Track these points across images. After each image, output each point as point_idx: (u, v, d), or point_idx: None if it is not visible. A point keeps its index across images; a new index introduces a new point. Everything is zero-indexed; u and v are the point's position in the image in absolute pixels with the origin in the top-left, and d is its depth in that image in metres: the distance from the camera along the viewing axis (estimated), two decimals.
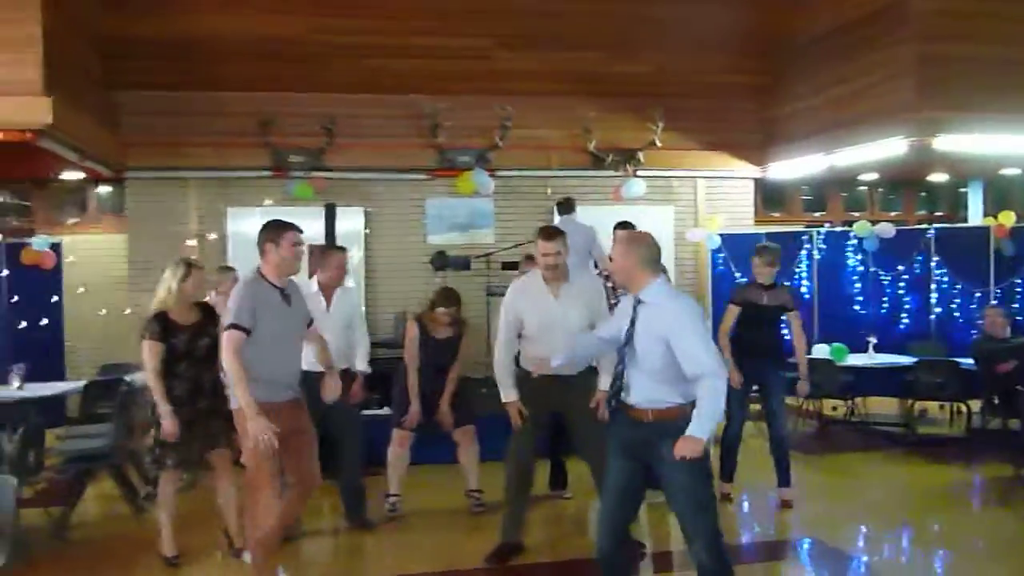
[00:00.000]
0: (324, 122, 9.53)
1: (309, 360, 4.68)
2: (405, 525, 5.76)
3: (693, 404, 3.63)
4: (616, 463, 3.84)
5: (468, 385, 6.25)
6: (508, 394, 4.93)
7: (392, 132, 9.89)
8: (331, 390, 4.49)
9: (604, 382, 4.81)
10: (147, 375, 4.71)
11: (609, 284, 6.06)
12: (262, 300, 4.20)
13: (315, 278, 5.58)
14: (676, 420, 3.63)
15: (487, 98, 9.87)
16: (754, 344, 6.02)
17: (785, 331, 6.40)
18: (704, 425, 3.56)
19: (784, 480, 6.11)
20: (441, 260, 9.76)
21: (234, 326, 4.08)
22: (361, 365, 5.71)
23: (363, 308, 7.88)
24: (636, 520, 3.94)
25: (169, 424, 4.63)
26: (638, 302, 3.78)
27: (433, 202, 10.21)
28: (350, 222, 9.82)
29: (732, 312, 6.11)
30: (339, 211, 9.10)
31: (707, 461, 3.69)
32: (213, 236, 9.63)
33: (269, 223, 4.37)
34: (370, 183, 10.03)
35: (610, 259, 4.96)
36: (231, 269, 7.87)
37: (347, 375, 5.39)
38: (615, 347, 3.92)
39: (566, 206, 8.35)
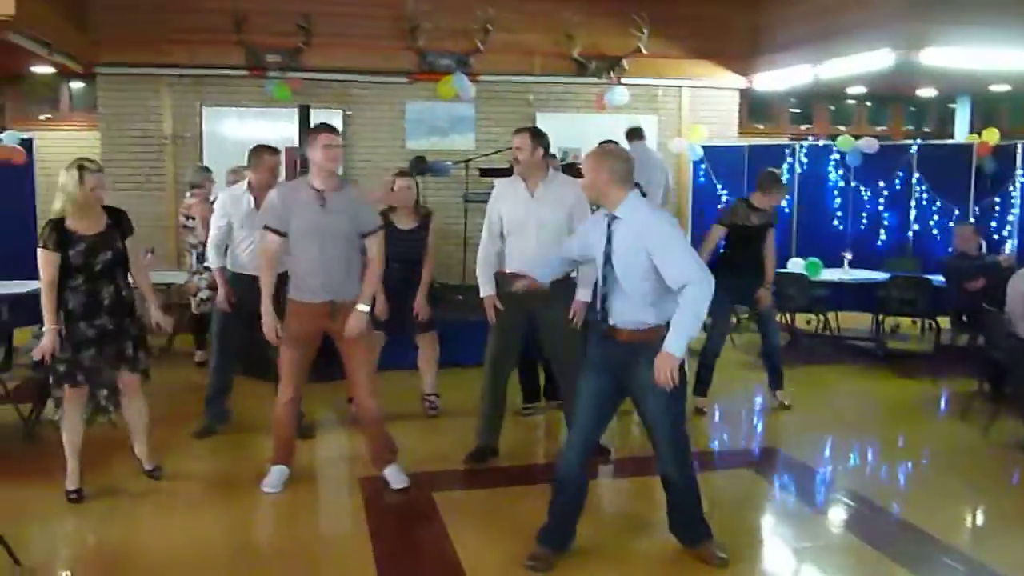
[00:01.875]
0: (300, 20, 9.28)
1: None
2: (414, 423, 5.87)
3: (668, 324, 3.56)
4: (591, 378, 3.81)
5: (440, 291, 6.26)
6: (485, 289, 4.97)
7: (372, 33, 9.65)
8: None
9: (583, 294, 4.81)
10: (41, 285, 4.30)
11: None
12: (291, 201, 4.40)
13: (247, 178, 5.53)
14: (652, 342, 3.58)
15: (469, 0, 9.61)
16: (742, 263, 6.13)
17: None
18: (681, 340, 3.50)
19: (778, 383, 6.42)
20: (420, 165, 9.63)
21: (264, 227, 4.48)
22: None
23: None
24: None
25: (48, 342, 4.25)
26: (613, 218, 3.68)
27: (413, 106, 10.03)
28: None
29: (717, 233, 6.20)
30: (317, 113, 8.91)
31: (683, 378, 3.66)
32: (188, 135, 9.48)
33: (310, 129, 4.52)
34: (349, 85, 9.84)
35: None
36: (207, 170, 7.76)
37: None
38: (588, 262, 3.92)
39: (635, 134, 8.76)
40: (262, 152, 5.46)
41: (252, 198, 5.40)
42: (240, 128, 9.52)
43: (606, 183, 3.66)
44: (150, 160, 9.46)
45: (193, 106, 9.50)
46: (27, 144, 9.06)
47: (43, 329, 4.28)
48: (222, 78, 9.50)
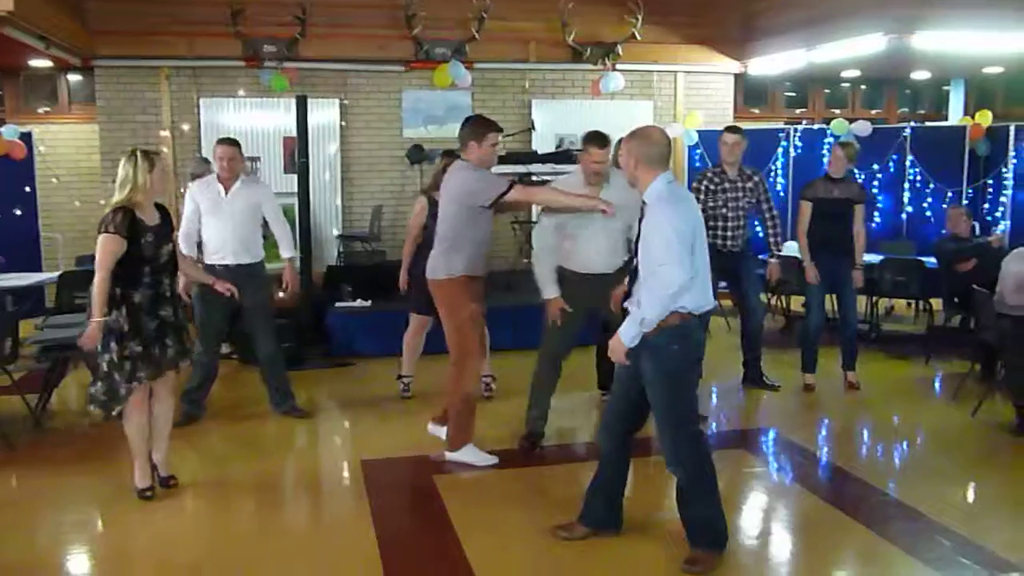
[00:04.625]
0: (296, 11, 9.32)
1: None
2: (412, 407, 5.98)
3: (677, 315, 3.46)
4: (623, 367, 3.70)
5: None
6: (550, 291, 4.94)
7: (367, 22, 9.69)
8: None
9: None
10: (97, 272, 4.03)
11: None
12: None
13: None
14: (653, 334, 3.47)
15: None
16: (826, 239, 6.24)
17: None
18: (632, 329, 3.46)
19: (851, 364, 6.60)
20: (417, 154, 9.72)
21: (513, 181, 4.69)
22: (286, 252, 5.81)
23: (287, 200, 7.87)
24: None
25: (93, 331, 4.04)
26: (644, 203, 3.57)
27: (409, 94, 10.08)
28: (325, 114, 9.74)
29: (806, 209, 6.30)
30: (315, 103, 8.98)
31: (687, 375, 3.61)
32: (186, 126, 9.54)
33: (471, 120, 4.75)
34: (345, 74, 9.88)
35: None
36: (207, 161, 7.79)
37: (258, 267, 5.66)
38: None
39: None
40: (217, 144, 5.61)
41: (221, 187, 5.55)
42: (238, 119, 9.57)
43: (637, 165, 3.55)
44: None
45: (191, 97, 9.55)
46: (26, 137, 9.16)
47: (89, 320, 4.08)
48: (219, 69, 9.54)
